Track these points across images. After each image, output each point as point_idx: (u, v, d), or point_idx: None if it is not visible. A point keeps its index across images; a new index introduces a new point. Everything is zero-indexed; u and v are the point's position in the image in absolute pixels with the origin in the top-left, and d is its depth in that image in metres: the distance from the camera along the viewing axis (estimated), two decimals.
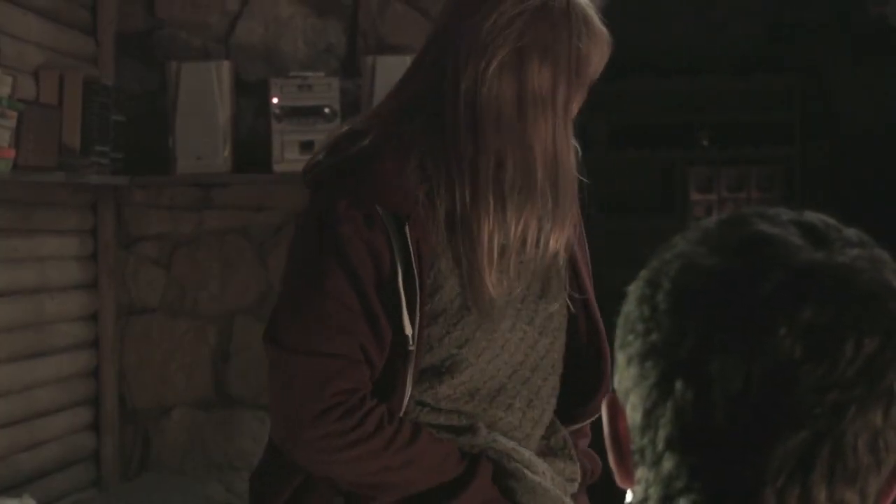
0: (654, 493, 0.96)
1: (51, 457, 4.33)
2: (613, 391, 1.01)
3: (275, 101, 4.56)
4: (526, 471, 2.15)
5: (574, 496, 2.27)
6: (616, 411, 1.00)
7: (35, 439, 4.24)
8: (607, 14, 2.28)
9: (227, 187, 4.76)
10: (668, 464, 0.94)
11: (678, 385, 0.93)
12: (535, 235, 2.16)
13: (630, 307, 0.99)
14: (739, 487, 0.92)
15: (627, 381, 0.98)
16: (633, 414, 0.97)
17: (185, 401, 4.79)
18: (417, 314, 2.06)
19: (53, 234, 4.45)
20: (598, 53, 2.18)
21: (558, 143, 2.17)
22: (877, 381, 0.92)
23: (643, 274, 1.00)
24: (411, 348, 2.07)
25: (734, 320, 0.93)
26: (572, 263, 2.27)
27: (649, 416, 0.96)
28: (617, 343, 1.01)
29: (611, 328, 1.04)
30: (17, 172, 3.82)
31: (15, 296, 4.13)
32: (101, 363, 4.72)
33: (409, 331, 2.06)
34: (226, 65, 4.61)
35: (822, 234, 0.97)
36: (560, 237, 2.17)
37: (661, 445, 0.95)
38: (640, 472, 0.97)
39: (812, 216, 0.99)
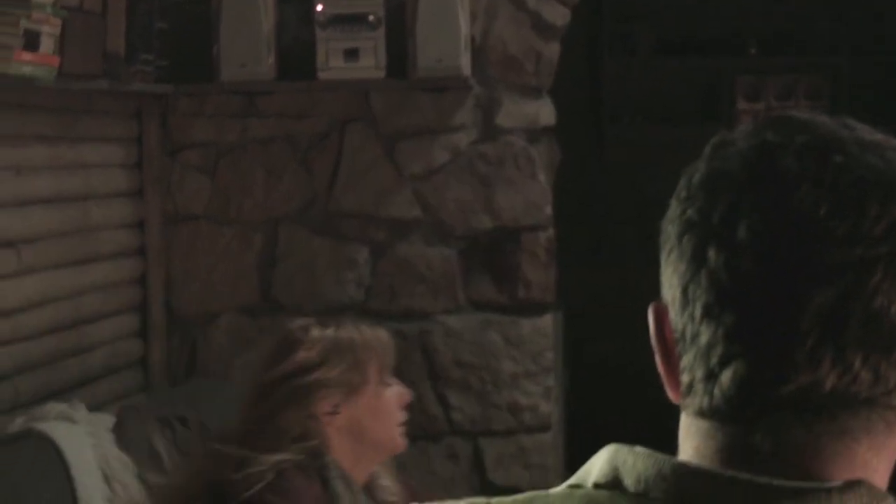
0: (698, 373, 0.96)
1: (98, 362, 4.38)
2: (658, 300, 1.01)
3: (319, 8, 4.54)
4: None
5: None
6: (661, 315, 1.00)
7: (82, 345, 4.28)
8: None
9: (271, 95, 4.76)
10: (705, 334, 0.95)
11: (711, 252, 0.95)
12: None
13: (671, 208, 1.00)
14: (775, 350, 0.92)
15: (668, 271, 0.99)
16: (676, 297, 0.98)
17: (231, 307, 4.82)
18: None
19: (98, 142, 4.47)
20: None
21: None
22: None
23: (683, 175, 1.02)
24: None
25: (762, 181, 0.95)
26: None
27: (686, 291, 0.96)
28: (661, 252, 1.01)
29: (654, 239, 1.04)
30: (61, 80, 3.83)
31: (61, 203, 4.16)
32: (148, 270, 4.75)
33: None
34: None
35: (852, 122, 0.99)
36: None
37: (698, 315, 0.95)
38: (685, 360, 0.98)
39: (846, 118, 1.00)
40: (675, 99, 6.66)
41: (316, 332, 2.74)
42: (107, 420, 3.73)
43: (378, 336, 2.82)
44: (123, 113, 4.62)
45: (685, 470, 0.96)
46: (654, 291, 1.03)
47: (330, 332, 2.75)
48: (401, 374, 4.69)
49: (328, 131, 4.75)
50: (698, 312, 0.95)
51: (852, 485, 0.93)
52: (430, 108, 4.70)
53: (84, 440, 3.49)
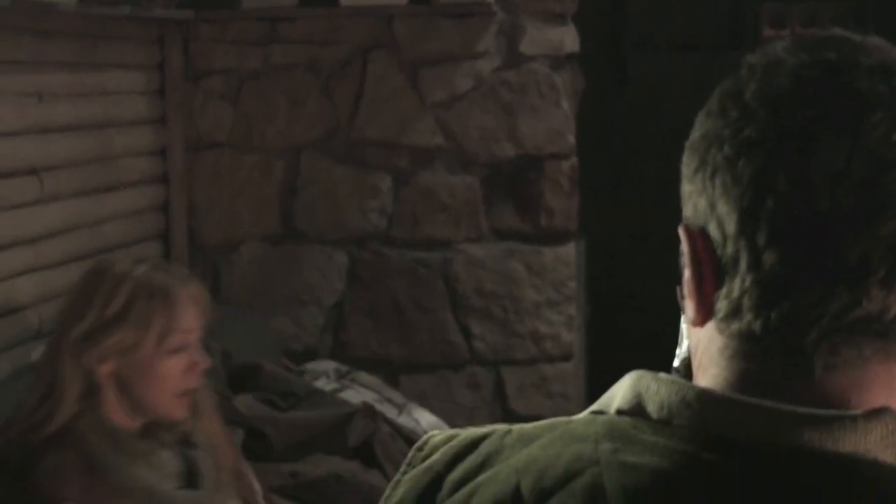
0: (750, 300, 0.95)
1: None
2: (684, 223, 0.99)
3: None
4: None
5: None
6: (692, 235, 0.98)
7: None
8: None
9: (293, 21, 4.73)
10: (770, 260, 0.93)
11: (780, 176, 0.92)
12: None
13: (705, 126, 0.98)
14: (848, 278, 0.91)
15: (710, 196, 0.96)
16: (724, 221, 0.95)
17: (254, 235, 4.82)
18: None
19: (120, 69, 4.45)
20: None
21: None
22: None
23: (714, 96, 0.99)
24: None
25: (835, 104, 0.93)
26: None
27: (746, 215, 0.94)
28: (686, 174, 0.99)
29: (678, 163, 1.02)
30: (82, 5, 3.81)
31: (82, 130, 4.15)
32: (171, 198, 4.75)
33: None
34: None
35: (884, 42, 0.98)
36: None
37: (761, 242, 0.93)
38: (732, 284, 0.96)
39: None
40: (700, 26, 6.61)
41: (109, 283, 2.56)
42: None
43: (174, 294, 2.58)
44: (145, 39, 4.60)
45: (709, 397, 0.96)
46: (675, 221, 1.01)
47: (121, 287, 2.56)
48: (423, 303, 4.71)
49: (351, 58, 4.73)
50: (762, 238, 0.93)
51: (878, 412, 0.92)
52: (453, 35, 4.66)
53: None
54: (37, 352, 3.52)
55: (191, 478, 2.58)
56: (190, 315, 2.59)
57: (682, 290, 1.02)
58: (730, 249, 0.96)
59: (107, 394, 2.52)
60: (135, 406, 2.55)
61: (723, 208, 0.95)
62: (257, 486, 2.89)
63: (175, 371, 2.57)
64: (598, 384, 1.15)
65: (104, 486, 2.44)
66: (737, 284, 0.95)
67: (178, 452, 2.59)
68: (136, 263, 2.59)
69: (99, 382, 2.52)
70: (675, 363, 1.19)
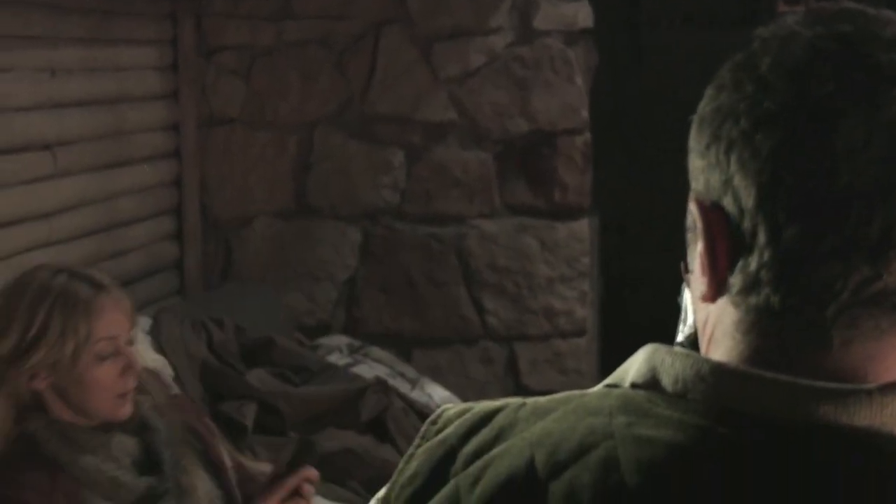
0: (769, 274, 0.94)
1: (134, 265, 4.39)
2: (695, 197, 0.99)
3: None
4: None
5: None
6: (705, 209, 0.97)
7: (118, 248, 4.29)
8: None
9: None
10: (789, 234, 0.93)
11: (799, 150, 0.92)
12: None
13: (717, 100, 0.97)
14: (869, 251, 0.91)
15: (726, 170, 0.95)
16: (741, 196, 0.94)
17: (266, 211, 4.82)
18: None
19: (133, 44, 4.45)
20: None
21: None
22: None
23: (725, 69, 0.98)
24: None
25: (851, 80, 0.92)
26: None
27: (764, 190, 0.93)
28: (696, 148, 0.98)
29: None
30: None
31: (95, 105, 4.15)
32: (184, 173, 4.75)
33: None
34: None
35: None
36: None
37: (781, 216, 0.92)
38: (742, 263, 0.95)
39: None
40: (714, 2, 6.58)
41: (30, 297, 2.50)
42: (143, 323, 3.74)
43: (92, 304, 2.53)
44: (158, 14, 4.60)
45: (724, 371, 0.95)
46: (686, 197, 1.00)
47: (42, 303, 2.50)
48: (436, 278, 4.71)
49: (364, 33, 4.72)
50: (781, 213, 0.92)
51: (894, 386, 0.92)
52: (466, 10, 4.65)
53: None
54: None
55: (151, 462, 2.59)
56: (112, 322, 2.55)
57: (686, 265, 1.02)
58: (747, 224, 0.95)
59: (51, 402, 2.53)
60: (79, 412, 2.56)
61: (740, 183, 0.94)
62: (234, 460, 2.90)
63: (110, 377, 2.54)
64: (612, 360, 1.15)
65: (69, 483, 2.45)
66: (755, 259, 0.95)
67: (136, 438, 2.60)
68: (55, 274, 2.57)
69: (40, 394, 2.53)
70: (679, 338, 1.18)
